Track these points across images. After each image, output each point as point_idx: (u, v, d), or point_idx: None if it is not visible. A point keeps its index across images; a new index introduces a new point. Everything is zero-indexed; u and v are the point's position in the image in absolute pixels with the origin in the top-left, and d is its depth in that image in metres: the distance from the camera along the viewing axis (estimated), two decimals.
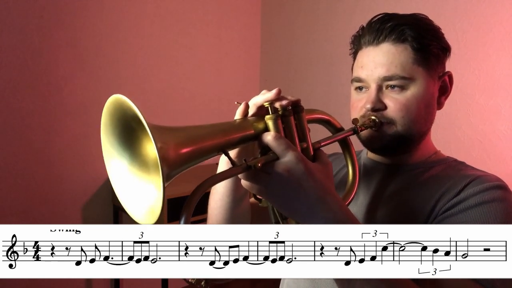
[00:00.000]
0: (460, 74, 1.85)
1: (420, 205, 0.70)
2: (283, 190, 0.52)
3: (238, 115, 0.60)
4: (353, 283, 0.51)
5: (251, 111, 0.60)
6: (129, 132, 0.49)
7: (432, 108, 0.76)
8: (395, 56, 0.72)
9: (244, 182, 0.55)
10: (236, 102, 0.61)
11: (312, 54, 2.59)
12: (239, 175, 0.54)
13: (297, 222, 0.60)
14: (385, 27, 0.73)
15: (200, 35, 2.57)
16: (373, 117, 0.73)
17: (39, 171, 1.97)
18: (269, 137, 0.54)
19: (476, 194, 0.66)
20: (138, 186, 0.50)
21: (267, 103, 0.56)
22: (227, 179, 0.61)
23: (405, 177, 0.77)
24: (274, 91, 0.57)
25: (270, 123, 0.56)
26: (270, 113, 0.56)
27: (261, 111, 0.59)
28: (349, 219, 0.54)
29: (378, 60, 0.73)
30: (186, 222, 0.45)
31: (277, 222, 0.61)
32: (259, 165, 0.51)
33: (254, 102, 0.59)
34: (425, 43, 0.72)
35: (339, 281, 0.53)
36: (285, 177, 0.52)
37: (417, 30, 0.72)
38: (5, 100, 1.84)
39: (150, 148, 0.50)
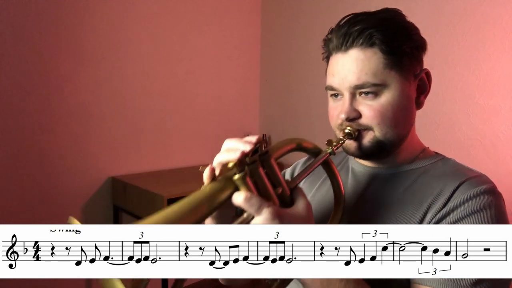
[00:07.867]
0: (460, 74, 1.86)
1: (410, 213, 0.70)
2: None
3: (206, 180, 0.57)
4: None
5: (218, 170, 0.57)
6: None
7: (409, 111, 0.74)
8: (364, 62, 0.69)
9: None
10: (200, 168, 0.58)
11: (312, 54, 2.59)
12: None
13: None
14: (352, 31, 0.70)
15: (200, 35, 2.57)
16: (347, 130, 0.73)
17: (39, 171, 1.97)
18: (240, 200, 0.52)
19: (465, 203, 0.66)
20: None
21: (231, 163, 0.53)
22: None
23: (394, 180, 0.77)
24: (237, 153, 0.54)
25: (239, 184, 0.54)
26: (237, 173, 0.53)
27: (227, 168, 0.56)
28: None
29: (348, 68, 0.71)
30: None
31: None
32: None
33: (219, 161, 0.57)
34: (395, 45, 0.69)
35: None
36: None
37: (385, 32, 0.69)
38: (5, 100, 1.84)
39: None
